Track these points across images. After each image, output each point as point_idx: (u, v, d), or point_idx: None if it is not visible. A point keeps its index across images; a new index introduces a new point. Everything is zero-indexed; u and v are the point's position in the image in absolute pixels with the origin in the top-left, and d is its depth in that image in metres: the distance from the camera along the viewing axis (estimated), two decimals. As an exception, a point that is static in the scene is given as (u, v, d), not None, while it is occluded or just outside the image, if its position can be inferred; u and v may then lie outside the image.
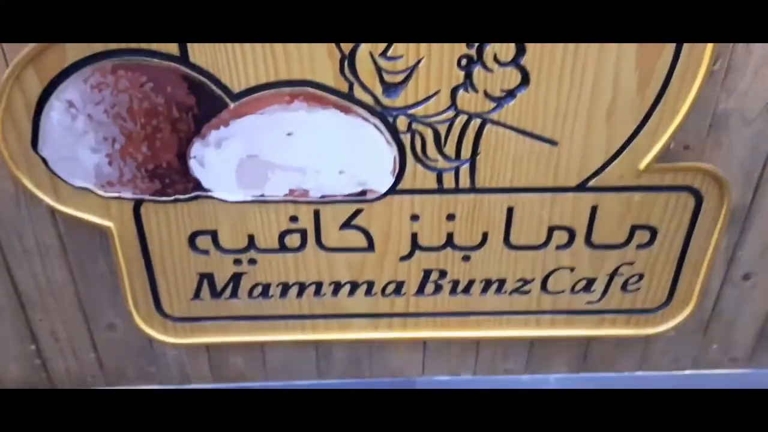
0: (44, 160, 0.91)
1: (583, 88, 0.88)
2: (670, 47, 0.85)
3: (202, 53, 0.84)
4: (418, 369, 1.27)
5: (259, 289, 1.07)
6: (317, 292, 1.08)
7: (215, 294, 1.07)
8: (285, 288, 1.07)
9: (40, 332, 1.16)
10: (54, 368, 1.21)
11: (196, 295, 1.08)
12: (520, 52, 0.85)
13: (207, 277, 1.06)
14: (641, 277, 1.08)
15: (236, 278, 1.06)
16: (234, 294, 1.08)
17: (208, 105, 0.88)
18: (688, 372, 1.29)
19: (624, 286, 1.09)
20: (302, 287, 1.08)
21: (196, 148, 0.91)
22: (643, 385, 1.29)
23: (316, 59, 0.84)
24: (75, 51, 0.83)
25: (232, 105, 0.88)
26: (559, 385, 1.29)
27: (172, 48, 0.83)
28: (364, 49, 0.84)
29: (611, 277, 1.08)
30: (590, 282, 1.09)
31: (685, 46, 0.85)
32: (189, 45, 0.83)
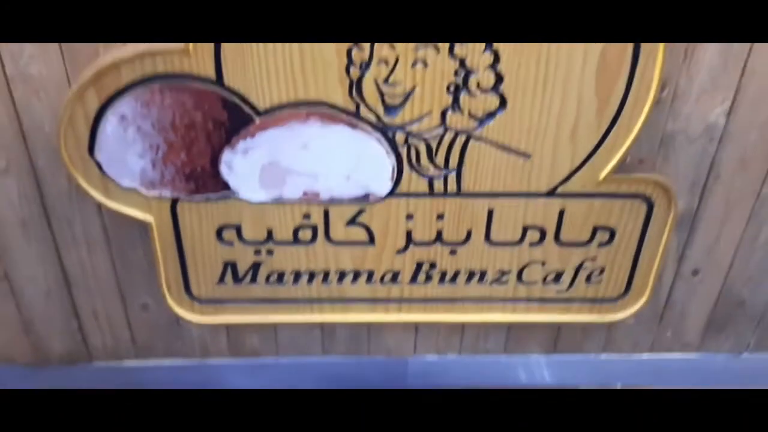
0: (98, 164, 1.02)
1: (551, 111, 0.98)
2: (624, 77, 0.95)
3: (234, 77, 0.94)
4: (410, 348, 1.37)
5: (275, 275, 1.17)
6: (325, 279, 1.18)
7: (237, 279, 1.18)
8: (297, 275, 1.17)
9: (83, 311, 1.27)
10: (93, 343, 1.32)
11: (221, 280, 1.17)
12: (499, 80, 0.95)
13: (231, 265, 1.15)
14: (602, 270, 1.18)
15: (256, 266, 1.16)
16: (253, 280, 1.17)
17: (238, 120, 0.98)
18: (646, 355, 1.38)
19: (588, 278, 1.19)
20: (312, 275, 1.18)
21: (226, 156, 1.01)
22: (607, 366, 1.39)
23: (329, 84, 0.94)
24: (129, 74, 0.93)
25: (257, 120, 0.98)
26: (535, 364, 1.39)
27: (210, 73, 0.94)
28: (369, 76, 0.94)
29: (577, 270, 1.18)
30: (559, 274, 1.19)
31: (636, 76, 0.94)
32: (224, 70, 0.93)
